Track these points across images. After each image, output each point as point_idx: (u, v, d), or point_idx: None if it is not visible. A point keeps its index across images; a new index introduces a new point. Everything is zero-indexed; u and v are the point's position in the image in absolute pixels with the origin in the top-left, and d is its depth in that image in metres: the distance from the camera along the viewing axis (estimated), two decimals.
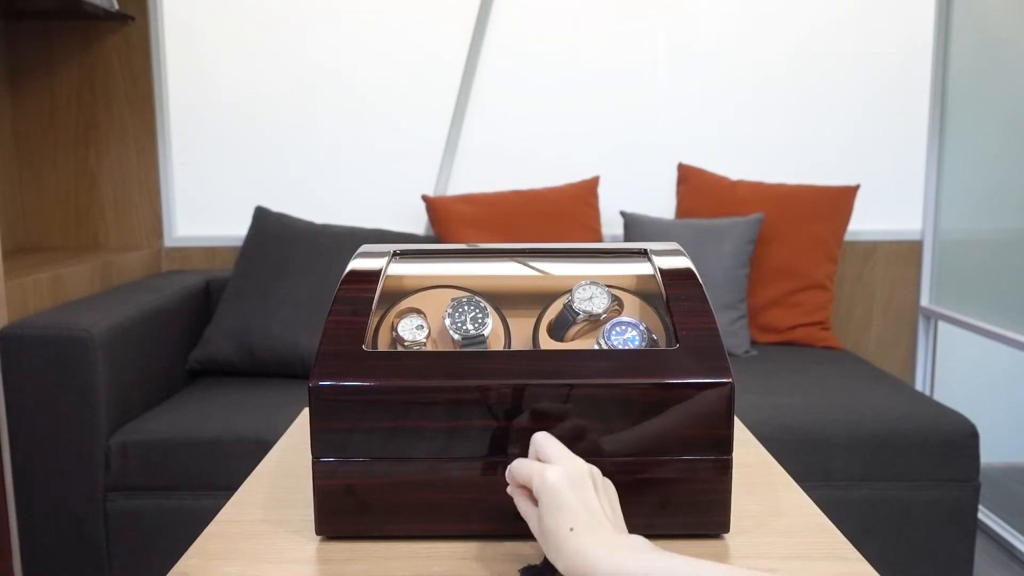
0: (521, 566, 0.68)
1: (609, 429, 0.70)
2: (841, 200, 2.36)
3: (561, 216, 2.35)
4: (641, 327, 0.75)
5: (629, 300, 0.80)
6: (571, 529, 0.59)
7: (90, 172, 2.47)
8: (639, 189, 2.51)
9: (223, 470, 1.76)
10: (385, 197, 2.51)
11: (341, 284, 0.79)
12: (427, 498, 0.71)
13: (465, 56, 2.46)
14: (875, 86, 2.48)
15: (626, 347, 0.74)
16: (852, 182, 2.41)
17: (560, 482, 0.61)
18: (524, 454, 0.70)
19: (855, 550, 0.71)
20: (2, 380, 1.73)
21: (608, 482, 0.66)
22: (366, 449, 0.71)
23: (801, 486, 0.85)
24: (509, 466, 0.66)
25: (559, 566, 0.60)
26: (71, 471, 1.77)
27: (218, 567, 0.69)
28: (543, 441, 0.66)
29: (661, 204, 2.50)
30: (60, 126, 2.45)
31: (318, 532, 0.73)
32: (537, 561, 0.68)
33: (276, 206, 2.40)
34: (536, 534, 0.63)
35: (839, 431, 1.79)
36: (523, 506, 0.65)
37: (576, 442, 0.70)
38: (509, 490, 0.67)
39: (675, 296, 0.77)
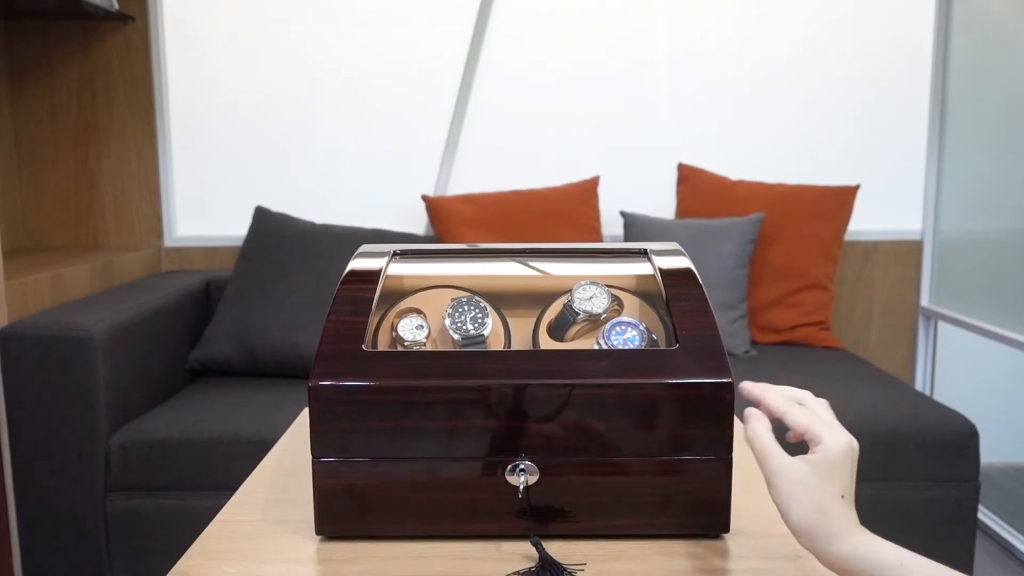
0: (522, 568, 0.68)
1: (609, 429, 0.70)
2: (841, 200, 2.36)
3: (561, 216, 2.35)
4: (641, 327, 0.75)
5: (629, 300, 0.80)
6: (843, 496, 0.61)
7: (90, 172, 2.47)
8: (639, 189, 2.51)
9: (223, 470, 1.76)
10: (385, 197, 2.51)
11: (341, 284, 0.79)
12: (427, 498, 0.71)
13: (465, 56, 2.46)
14: (875, 86, 2.48)
15: (626, 347, 0.74)
16: (852, 182, 2.40)
17: (850, 450, 0.62)
18: (524, 453, 0.70)
19: None
20: (2, 380, 1.73)
21: None
22: (366, 449, 0.71)
23: None
24: (785, 396, 0.66)
25: (806, 521, 0.60)
26: (71, 471, 1.77)
27: (218, 567, 0.69)
28: (821, 404, 0.66)
29: (661, 204, 2.50)
30: (60, 126, 2.45)
31: (318, 532, 0.73)
32: (534, 563, 0.68)
33: (276, 206, 2.40)
34: (781, 479, 0.62)
35: None
36: (769, 440, 0.64)
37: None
38: (751, 412, 0.66)
39: (675, 296, 0.77)
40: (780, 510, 0.62)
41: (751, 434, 0.65)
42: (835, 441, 0.62)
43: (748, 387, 0.68)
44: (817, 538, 0.60)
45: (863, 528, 0.60)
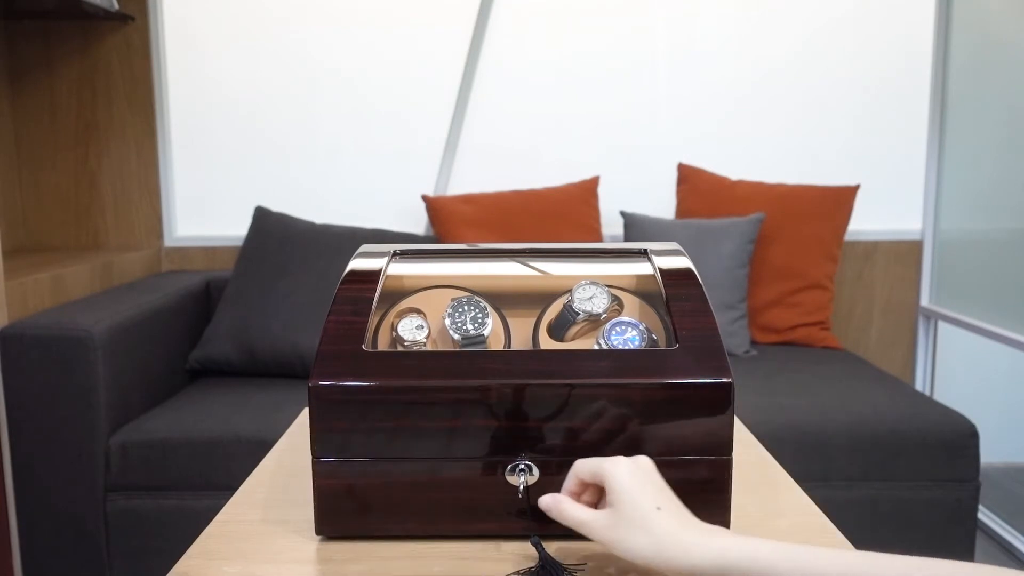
0: (522, 568, 0.68)
1: (609, 429, 0.70)
2: (841, 200, 2.36)
3: (561, 216, 2.35)
4: (641, 327, 0.75)
5: (629, 300, 0.80)
6: (659, 508, 0.60)
7: (90, 172, 2.47)
8: (639, 189, 2.51)
9: (223, 470, 1.76)
10: (385, 197, 2.51)
11: (341, 284, 0.79)
12: (427, 498, 0.71)
13: (465, 56, 2.46)
14: (875, 86, 2.48)
15: (626, 347, 0.74)
16: (852, 182, 2.40)
17: (635, 468, 0.63)
18: (524, 453, 0.70)
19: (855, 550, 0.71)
20: (2, 380, 1.73)
21: None
22: (366, 449, 0.71)
23: (801, 486, 0.85)
24: (573, 471, 0.66)
25: (645, 550, 0.58)
26: (71, 471, 1.77)
27: (218, 567, 0.69)
28: (596, 458, 0.66)
29: (661, 204, 2.50)
30: (60, 126, 2.45)
31: (318, 532, 0.73)
32: (534, 563, 0.68)
33: (276, 206, 2.40)
34: (600, 530, 0.62)
35: (839, 431, 1.79)
36: (572, 510, 0.64)
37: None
38: (546, 501, 0.66)
39: (675, 296, 0.77)
40: (631, 560, 0.60)
41: (561, 519, 0.65)
42: (613, 470, 0.63)
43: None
44: (664, 561, 0.58)
45: (708, 528, 0.59)
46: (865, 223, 2.49)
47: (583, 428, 0.70)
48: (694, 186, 2.42)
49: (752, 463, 0.91)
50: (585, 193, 2.39)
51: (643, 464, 0.65)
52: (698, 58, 2.48)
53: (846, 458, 1.78)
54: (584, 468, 0.65)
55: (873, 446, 1.78)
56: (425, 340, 0.75)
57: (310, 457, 0.71)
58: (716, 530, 0.59)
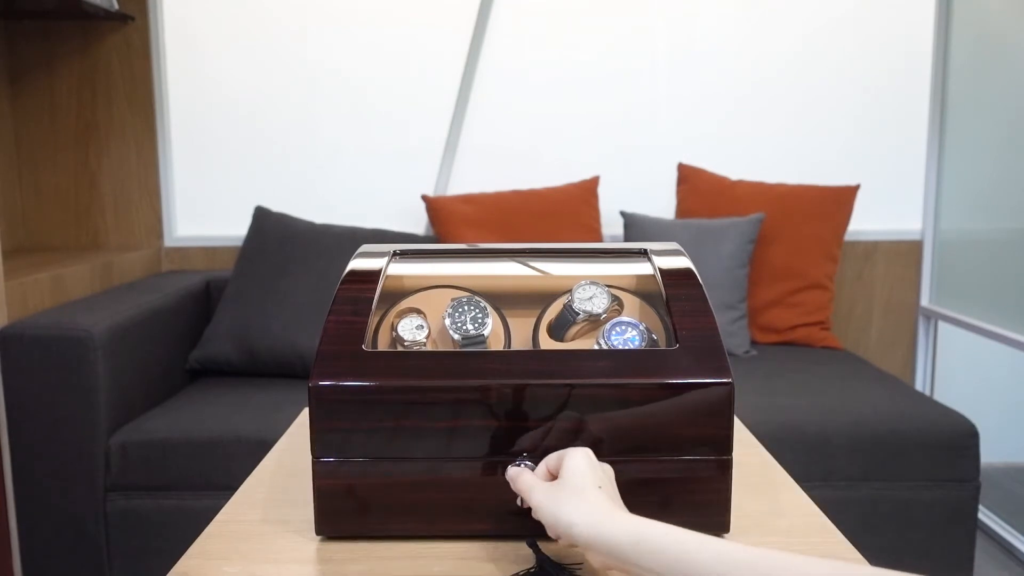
0: (521, 569, 0.68)
1: (609, 429, 0.70)
2: (841, 200, 2.36)
3: (561, 216, 2.35)
4: (641, 327, 0.75)
5: (629, 300, 0.80)
6: (599, 487, 0.63)
7: (90, 172, 2.47)
8: (639, 189, 2.51)
9: (223, 470, 1.76)
10: (385, 197, 2.51)
11: (341, 284, 0.79)
12: (427, 498, 0.71)
13: (465, 56, 2.46)
14: (875, 86, 2.48)
15: (626, 347, 0.74)
16: (852, 182, 2.40)
17: (588, 456, 0.67)
18: (524, 453, 0.70)
19: (855, 550, 0.71)
20: (2, 380, 1.73)
21: None
22: (366, 449, 0.71)
23: (801, 486, 0.85)
24: (543, 462, 0.69)
25: (573, 515, 0.61)
26: (71, 471, 1.77)
27: (218, 567, 0.69)
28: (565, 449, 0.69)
29: (661, 204, 2.50)
30: (60, 126, 2.45)
31: (318, 532, 0.73)
32: (532, 563, 0.68)
33: (276, 206, 2.40)
34: (543, 495, 0.64)
35: (839, 431, 1.79)
36: (527, 477, 0.67)
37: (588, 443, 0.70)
38: (510, 471, 0.69)
39: (675, 296, 0.77)
40: (559, 528, 0.62)
41: (516, 486, 0.68)
42: (570, 454, 0.66)
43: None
44: (587, 527, 0.60)
45: (631, 513, 0.62)
46: (865, 223, 2.49)
47: (583, 428, 0.70)
48: (694, 186, 2.42)
49: (752, 463, 0.91)
50: (585, 193, 2.39)
51: (604, 464, 0.68)
52: (698, 58, 2.48)
53: (846, 458, 1.78)
54: (552, 458, 0.68)
55: (873, 446, 1.78)
56: (425, 340, 0.75)
57: (310, 457, 0.71)
58: (642, 516, 0.62)
